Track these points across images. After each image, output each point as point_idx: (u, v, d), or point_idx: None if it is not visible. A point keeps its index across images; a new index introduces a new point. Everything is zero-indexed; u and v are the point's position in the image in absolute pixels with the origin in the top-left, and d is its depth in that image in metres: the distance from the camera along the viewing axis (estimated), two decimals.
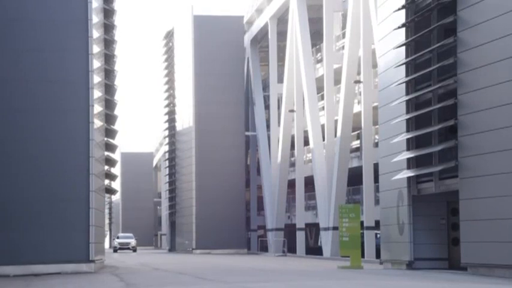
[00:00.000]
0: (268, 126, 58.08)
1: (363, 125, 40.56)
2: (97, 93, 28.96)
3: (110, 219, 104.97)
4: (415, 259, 26.62)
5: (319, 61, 50.68)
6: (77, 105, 27.26)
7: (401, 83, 27.11)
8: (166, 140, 72.23)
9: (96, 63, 29.04)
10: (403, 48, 27.20)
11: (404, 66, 27.11)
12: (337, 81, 44.71)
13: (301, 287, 18.53)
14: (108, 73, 32.54)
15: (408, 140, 26.78)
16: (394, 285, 18.81)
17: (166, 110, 70.71)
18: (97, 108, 28.86)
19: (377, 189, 36.29)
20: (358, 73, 41.71)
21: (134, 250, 67.88)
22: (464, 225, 23.49)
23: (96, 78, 28.80)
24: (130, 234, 72.88)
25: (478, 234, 22.78)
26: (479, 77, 22.75)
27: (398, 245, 27.51)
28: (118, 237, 72.11)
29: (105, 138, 32.73)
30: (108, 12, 32.43)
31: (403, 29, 27.16)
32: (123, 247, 68.51)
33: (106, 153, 33.16)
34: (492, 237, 22.10)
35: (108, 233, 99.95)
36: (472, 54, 23.15)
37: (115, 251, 67.85)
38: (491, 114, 22.20)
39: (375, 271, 26.35)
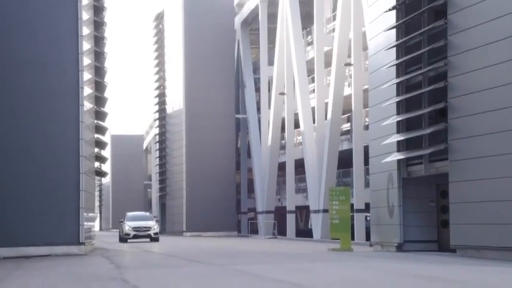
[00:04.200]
0: (258, 109, 58.04)
1: (353, 108, 40.58)
2: (87, 76, 28.85)
3: (100, 201, 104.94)
4: (404, 241, 26.74)
5: (310, 44, 50.58)
6: (67, 88, 27.15)
7: (392, 66, 27.11)
8: (157, 122, 72.12)
9: (86, 45, 28.91)
10: (394, 30, 27.18)
11: (394, 48, 27.10)
12: (328, 64, 44.66)
13: (291, 269, 18.60)
14: (98, 55, 32.40)
15: (398, 122, 26.81)
16: (384, 267, 18.90)
17: (157, 92, 70.56)
18: (87, 91, 28.76)
19: (367, 172, 36.37)
20: (349, 56, 41.67)
21: (156, 239, 41.34)
22: (454, 208, 23.59)
23: (86, 60, 28.67)
24: (147, 214, 46.12)
25: (467, 216, 22.89)
26: (470, 60, 22.77)
27: (388, 227, 27.61)
28: (128, 218, 43.00)
29: (95, 121, 32.65)
30: None
31: (394, 11, 27.12)
32: (140, 234, 41.40)
33: (96, 135, 33.09)
34: (481, 220, 22.21)
35: (98, 215, 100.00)
36: (462, 36, 23.15)
37: (125, 240, 41.50)
38: (481, 96, 22.24)
39: (364, 253, 26.45)
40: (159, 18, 69.53)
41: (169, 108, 67.20)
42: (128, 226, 41.82)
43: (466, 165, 22.88)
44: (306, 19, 50.98)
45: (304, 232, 51.86)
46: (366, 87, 36.53)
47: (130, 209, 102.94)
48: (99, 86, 32.44)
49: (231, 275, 17.04)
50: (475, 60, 22.53)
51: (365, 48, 37.67)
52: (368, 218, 36.21)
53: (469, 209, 22.78)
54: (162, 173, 69.04)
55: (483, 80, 22.14)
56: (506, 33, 21.20)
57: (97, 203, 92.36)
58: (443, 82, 23.89)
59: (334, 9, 45.43)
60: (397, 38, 27.01)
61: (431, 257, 23.34)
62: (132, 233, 41.43)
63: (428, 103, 25.47)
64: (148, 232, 41.33)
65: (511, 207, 20.89)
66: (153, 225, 42.02)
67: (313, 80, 47.51)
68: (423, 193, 27.06)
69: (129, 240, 41.17)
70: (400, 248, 26.70)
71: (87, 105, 29.04)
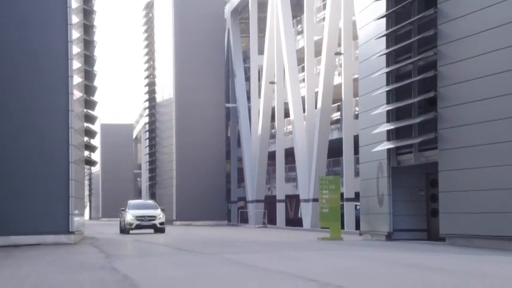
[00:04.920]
0: (248, 98, 58.01)
1: (343, 97, 40.60)
2: (76, 64, 28.73)
3: (90, 190, 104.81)
4: (394, 230, 26.82)
5: (300, 33, 50.53)
6: (56, 76, 27.02)
7: (382, 55, 27.11)
8: (147, 111, 71.99)
9: (75, 34, 28.77)
10: (384, 19, 27.17)
11: (384, 38, 27.09)
12: (318, 53, 44.64)
13: (281, 258, 18.63)
14: (88, 44, 32.26)
15: (388, 111, 26.84)
16: (374, 256, 18.95)
17: (147, 81, 70.40)
18: (76, 79, 28.65)
19: (357, 161, 36.43)
20: (339, 45, 41.66)
21: (161, 230, 36.82)
22: (443, 197, 23.66)
23: (75, 49, 28.54)
24: (152, 202, 41.25)
25: (456, 205, 22.96)
26: (459, 49, 22.79)
27: (377, 216, 27.69)
28: (130, 207, 38.28)
29: (85, 110, 32.55)
30: None
31: (384, 0, 27.10)
32: (144, 224, 36.78)
33: (85, 124, 32.99)
34: (470, 208, 22.29)
35: (88, 204, 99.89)
36: (452, 26, 23.16)
37: (127, 231, 36.99)
38: (470, 86, 22.27)
39: (354, 242, 26.52)
40: (149, 6, 69.28)
41: (159, 97, 67.07)
42: (131, 215, 36.84)
43: (456, 154, 22.93)
44: (296, 8, 50.92)
45: (294, 221, 51.96)
46: (356, 76, 36.53)
47: (120, 198, 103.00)
48: (88, 74, 32.32)
49: (221, 264, 17.06)
50: (464, 49, 22.56)
51: (355, 37, 37.66)
52: (358, 207, 36.28)
53: (458, 198, 22.86)
54: (152, 162, 68.97)
55: (473, 69, 22.17)
56: (496, 22, 21.22)
57: (87, 192, 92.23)
58: (433, 71, 23.92)
59: None
60: (387, 27, 27.00)
61: (420, 245, 23.42)
62: (135, 222, 36.59)
63: (418, 92, 25.50)
64: (153, 222, 36.73)
65: (499, 196, 20.97)
66: (159, 215, 37.13)
67: (303, 69, 47.49)
68: (413, 182, 27.13)
69: (131, 232, 36.57)
70: (389, 237, 26.78)
71: (77, 94, 28.93)
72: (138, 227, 36.62)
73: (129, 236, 34.69)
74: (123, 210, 38.13)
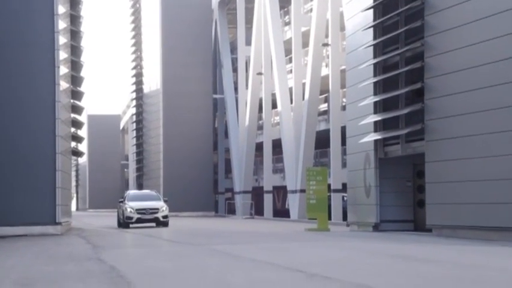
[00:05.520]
0: (236, 89, 57.96)
1: (330, 88, 40.63)
2: (63, 55, 28.60)
3: (77, 181, 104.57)
4: (381, 221, 26.90)
5: (287, 24, 50.49)
6: (43, 67, 26.91)
7: (369, 46, 27.13)
8: (134, 102, 71.83)
9: (62, 24, 28.63)
10: (371, 11, 27.18)
11: (372, 29, 27.11)
12: (305, 44, 44.63)
13: (268, 249, 18.66)
14: (74, 34, 32.12)
15: (375, 103, 26.88)
16: (360, 247, 19.01)
17: (134, 72, 70.20)
18: (63, 70, 28.53)
19: (344, 152, 36.49)
20: (326, 36, 41.65)
21: (165, 223, 33.42)
22: (430, 188, 23.74)
23: (62, 40, 28.41)
24: (154, 193, 36.57)
25: (442, 196, 23.05)
26: (446, 40, 22.83)
27: (364, 207, 27.76)
28: (130, 198, 34.62)
29: (72, 100, 32.43)
30: None
31: None
32: (146, 218, 33.17)
33: (72, 115, 32.89)
34: (456, 199, 22.38)
35: (74, 195, 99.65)
36: (439, 17, 23.19)
37: (126, 225, 33.27)
38: (457, 77, 22.33)
39: (341, 233, 26.59)
40: None
41: (146, 88, 66.91)
42: (130, 208, 33.08)
43: (442, 145, 23.01)
44: None
45: (281, 212, 52.03)
46: (343, 67, 36.56)
47: (107, 189, 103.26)
48: (75, 65, 32.19)
49: (208, 255, 17.07)
50: (451, 40, 22.60)
51: (342, 28, 37.67)
52: (345, 198, 36.36)
53: (444, 188, 22.94)
54: (139, 153, 68.86)
55: (459, 60, 22.22)
56: (482, 13, 21.27)
57: (73, 183, 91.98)
58: (420, 62, 23.96)
59: None
60: (374, 19, 27.01)
61: (407, 236, 23.50)
62: (136, 216, 32.90)
63: (405, 83, 25.55)
64: (156, 215, 33.01)
65: (485, 186, 21.07)
66: (162, 207, 33.35)
67: (290, 60, 47.47)
68: (400, 173, 27.21)
69: (131, 225, 33.08)
70: (376, 227, 26.86)
71: (63, 84, 28.81)
72: (138, 220, 33.03)
73: (115, 227, 34.60)
74: (122, 201, 34.39)
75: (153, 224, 33.43)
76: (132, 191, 37.74)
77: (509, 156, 20.16)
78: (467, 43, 21.87)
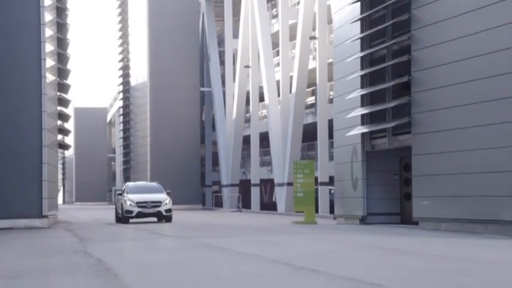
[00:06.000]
0: (223, 82, 57.91)
1: (317, 81, 40.65)
2: (49, 47, 28.47)
3: (63, 174, 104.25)
4: (368, 214, 26.98)
5: (275, 16, 50.45)
6: (29, 59, 26.77)
7: (356, 39, 27.16)
8: (121, 95, 71.64)
9: (48, 16, 28.49)
10: (358, 4, 27.20)
11: (359, 22, 27.13)
12: (293, 37, 44.62)
13: (255, 242, 18.68)
14: (60, 27, 31.97)
15: (362, 96, 26.93)
16: (347, 240, 19.06)
17: (121, 65, 70.00)
18: (49, 62, 28.40)
19: (331, 145, 36.55)
20: (314, 29, 41.65)
21: (168, 218, 30.58)
22: (416, 181, 23.82)
23: (48, 32, 28.27)
24: (156, 184, 33.42)
25: (429, 189, 23.14)
26: (433, 34, 22.89)
27: (351, 200, 27.83)
28: (130, 190, 31.81)
29: (58, 93, 32.30)
30: None
31: None
32: (147, 212, 30.36)
33: (59, 108, 32.76)
34: (443, 192, 22.47)
35: (61, 188, 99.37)
36: (426, 10, 23.24)
37: (126, 219, 30.44)
38: (443, 70, 22.39)
39: (328, 226, 26.65)
40: None
41: (133, 81, 66.74)
42: (130, 201, 30.30)
43: (429, 139, 23.09)
44: None
45: (268, 205, 52.08)
46: (330, 60, 36.58)
47: (94, 182, 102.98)
48: (61, 57, 32.05)
49: (196, 248, 17.07)
50: (438, 34, 22.66)
51: (330, 21, 37.68)
52: (332, 191, 36.44)
53: (431, 181, 23.03)
54: (126, 146, 68.71)
55: (446, 53, 22.28)
56: (468, 7, 21.32)
57: (60, 176, 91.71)
58: (406, 56, 24.01)
59: None
60: (362, 12, 27.03)
61: (394, 229, 23.58)
62: (136, 209, 30.08)
63: (392, 77, 25.60)
64: (158, 209, 30.23)
65: (471, 179, 21.16)
66: (165, 199, 30.63)
67: (278, 53, 47.46)
68: (386, 166, 27.28)
69: (131, 220, 30.41)
70: (363, 220, 26.93)
71: (50, 77, 28.68)
72: (139, 215, 30.20)
73: (102, 220, 34.53)
74: (120, 194, 31.74)
75: (155, 219, 30.79)
76: (131, 183, 34.43)
77: (496, 150, 20.25)
78: (454, 36, 21.92)
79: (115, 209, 32.59)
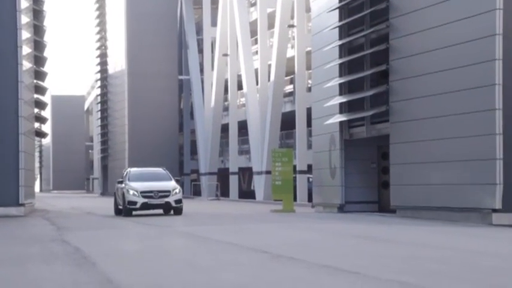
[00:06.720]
0: (201, 70, 57.73)
1: (296, 70, 40.65)
2: (25, 34, 28.20)
3: (41, 162, 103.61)
4: (346, 202, 27.06)
5: (253, 5, 50.32)
6: (4, 47, 26.51)
7: (335, 28, 27.16)
8: (98, 83, 71.20)
9: (24, 3, 28.20)
10: None
11: (337, 10, 27.12)
12: (271, 26, 44.54)
13: (233, 231, 18.69)
14: (37, 14, 31.67)
15: (341, 84, 26.96)
16: (325, 228, 19.13)
17: (98, 52, 69.54)
18: (25, 50, 28.14)
19: (310, 134, 36.59)
20: (292, 17, 41.61)
21: (178, 210, 26.24)
22: (394, 169, 23.92)
23: (24, 19, 27.99)
24: (162, 170, 28.48)
25: (406, 177, 23.25)
26: (411, 22, 22.94)
27: (330, 188, 27.90)
28: (132, 177, 27.22)
29: (35, 81, 32.03)
30: None
31: None
32: (153, 203, 25.96)
33: (35, 95, 32.48)
34: (420, 181, 22.58)
35: (38, 176, 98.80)
36: None
37: (128, 211, 26.05)
38: (421, 59, 22.46)
39: (306, 214, 26.72)
40: None
41: (111, 69, 66.35)
42: (133, 190, 25.91)
43: (406, 127, 23.17)
44: None
45: (247, 193, 52.09)
46: (308, 49, 36.57)
47: (72, 171, 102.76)
48: (38, 45, 31.77)
49: (174, 237, 17.05)
50: (416, 22, 22.71)
51: (308, 9, 37.63)
52: (310, 180, 36.50)
53: (408, 170, 23.14)
54: (104, 134, 68.39)
55: (424, 42, 22.34)
56: None
57: (37, 164, 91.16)
58: (384, 44, 24.05)
59: None
60: (340, 0, 27.02)
61: (371, 217, 23.69)
62: (141, 200, 25.68)
63: (370, 65, 25.64)
64: (167, 199, 25.83)
65: (448, 168, 21.28)
66: (174, 188, 26.25)
67: (256, 42, 47.37)
68: (364, 155, 27.36)
69: (134, 213, 26.13)
70: (341, 208, 27.02)
71: (26, 64, 28.43)
72: (144, 206, 25.84)
73: (79, 209, 34.38)
74: (121, 181, 27.25)
75: (161, 211, 26.71)
76: (134, 168, 28.92)
77: (473, 138, 20.38)
78: (432, 25, 21.98)
79: (114, 199, 28.21)
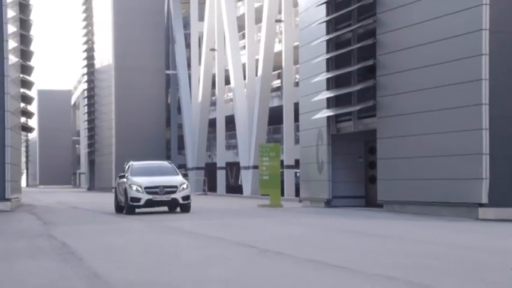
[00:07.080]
0: (189, 65, 57.62)
1: (283, 65, 40.64)
2: (11, 28, 28.05)
3: (27, 157, 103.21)
4: (333, 197, 27.10)
5: None
6: None
7: (322, 23, 27.16)
8: (85, 77, 70.94)
9: None
10: None
11: (325, 5, 27.12)
12: (258, 20, 44.50)
13: (221, 225, 18.69)
14: (23, 7, 31.50)
15: (328, 79, 26.97)
16: (312, 223, 19.16)
17: (85, 47, 69.27)
18: (12, 44, 28.00)
19: (297, 129, 36.60)
20: (279, 12, 41.58)
21: (185, 207, 24.17)
22: (381, 164, 23.98)
23: (10, 13, 27.85)
24: (168, 164, 26.91)
25: (393, 172, 23.31)
26: (398, 17, 22.97)
27: (317, 183, 27.93)
28: (135, 172, 24.91)
29: (21, 75, 31.88)
30: None
31: None
32: (159, 199, 23.80)
33: (22, 90, 32.34)
34: (406, 175, 22.65)
35: (25, 171, 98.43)
36: None
37: (131, 208, 23.93)
38: (408, 54, 22.50)
39: (294, 209, 26.75)
40: None
41: (98, 63, 66.11)
42: (137, 185, 23.89)
43: (393, 122, 23.22)
44: None
45: (234, 188, 52.08)
46: (296, 43, 36.55)
47: (58, 165, 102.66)
48: (24, 39, 31.61)
49: (162, 231, 17.03)
50: (403, 17, 22.74)
51: (295, 4, 37.62)
52: (298, 174, 36.53)
53: (395, 165, 23.19)
54: (91, 129, 68.19)
55: (410, 37, 22.38)
56: None
57: (23, 159, 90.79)
58: (372, 39, 24.07)
59: None
60: None
61: (358, 212, 23.75)
62: (145, 197, 23.64)
63: (358, 60, 25.66)
64: (173, 196, 23.73)
65: (435, 162, 21.35)
66: (181, 184, 24.16)
67: (243, 36, 47.31)
68: (352, 149, 27.40)
69: (137, 210, 24.08)
70: (329, 203, 27.05)
71: (12, 58, 28.29)
72: (148, 203, 23.81)
73: (66, 203, 34.28)
74: (122, 176, 25.25)
75: (166, 208, 24.73)
76: (137, 162, 26.14)
77: (459, 133, 20.45)
78: (418, 20, 22.02)
79: (115, 195, 26.14)
